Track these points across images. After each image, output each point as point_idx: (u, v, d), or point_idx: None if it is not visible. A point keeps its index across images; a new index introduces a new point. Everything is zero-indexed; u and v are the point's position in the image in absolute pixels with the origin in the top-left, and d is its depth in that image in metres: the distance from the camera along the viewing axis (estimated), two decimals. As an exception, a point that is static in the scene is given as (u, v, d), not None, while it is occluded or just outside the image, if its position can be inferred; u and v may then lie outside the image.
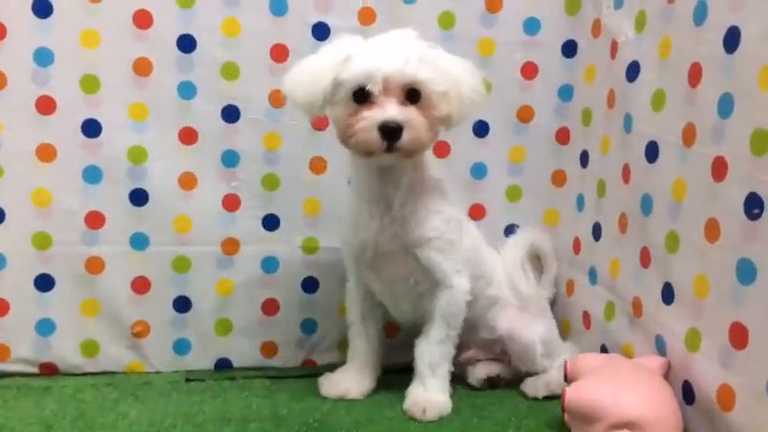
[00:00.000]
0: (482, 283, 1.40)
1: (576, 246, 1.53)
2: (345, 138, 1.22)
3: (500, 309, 1.43)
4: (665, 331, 1.20)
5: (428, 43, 1.25)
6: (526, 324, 1.43)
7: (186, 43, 1.44)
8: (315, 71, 1.22)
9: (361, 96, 1.19)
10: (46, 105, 1.41)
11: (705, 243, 1.09)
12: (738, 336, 1.01)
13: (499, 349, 1.44)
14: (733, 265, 1.02)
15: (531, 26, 1.53)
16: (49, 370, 1.45)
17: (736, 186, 1.02)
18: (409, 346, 1.36)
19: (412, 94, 1.20)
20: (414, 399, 1.29)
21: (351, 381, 1.37)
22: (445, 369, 1.32)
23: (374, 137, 1.17)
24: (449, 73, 1.22)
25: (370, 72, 1.17)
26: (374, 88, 1.17)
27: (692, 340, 1.12)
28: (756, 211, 0.97)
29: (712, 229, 1.07)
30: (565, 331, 1.53)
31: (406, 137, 1.17)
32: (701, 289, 1.10)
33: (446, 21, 1.51)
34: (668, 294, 1.19)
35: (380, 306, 1.41)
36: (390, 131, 1.16)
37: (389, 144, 1.18)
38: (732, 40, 1.03)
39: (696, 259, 1.11)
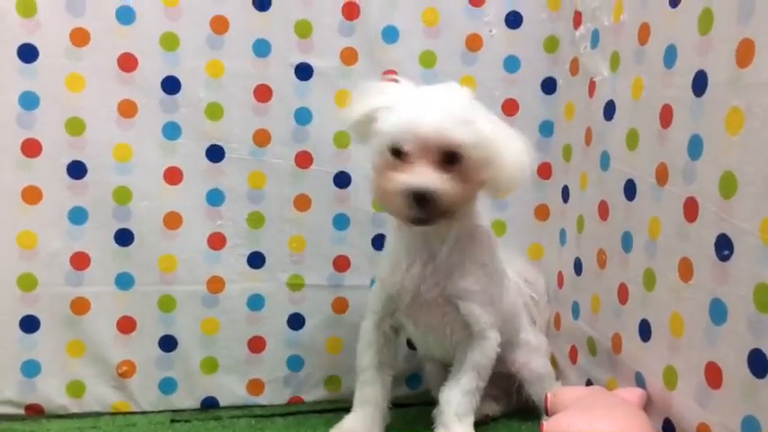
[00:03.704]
0: (513, 333, 1.38)
1: (560, 280, 1.54)
2: (377, 194, 1.19)
3: (516, 347, 1.43)
4: (644, 368, 1.21)
5: (475, 103, 1.19)
6: (537, 358, 1.44)
7: (171, 85, 1.46)
8: (360, 98, 1.21)
9: (398, 152, 1.14)
10: (31, 148, 1.42)
11: (679, 282, 1.09)
12: (714, 375, 1.02)
13: (514, 383, 1.43)
14: (706, 305, 1.03)
15: (511, 64, 1.55)
16: (35, 411, 1.45)
17: (707, 227, 1.03)
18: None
19: (450, 157, 1.13)
20: None
21: (366, 431, 1.29)
22: (471, 419, 1.26)
23: (402, 202, 1.12)
24: (491, 139, 1.15)
25: (404, 130, 1.12)
26: (408, 148, 1.12)
27: (670, 378, 1.13)
28: (726, 252, 0.98)
29: (686, 269, 1.08)
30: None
31: (435, 207, 1.11)
32: (676, 327, 1.11)
33: (427, 60, 1.53)
34: (645, 331, 1.20)
35: (399, 350, 1.36)
36: (419, 199, 1.11)
37: (418, 212, 1.12)
38: (700, 83, 1.05)
39: (671, 297, 1.12)
